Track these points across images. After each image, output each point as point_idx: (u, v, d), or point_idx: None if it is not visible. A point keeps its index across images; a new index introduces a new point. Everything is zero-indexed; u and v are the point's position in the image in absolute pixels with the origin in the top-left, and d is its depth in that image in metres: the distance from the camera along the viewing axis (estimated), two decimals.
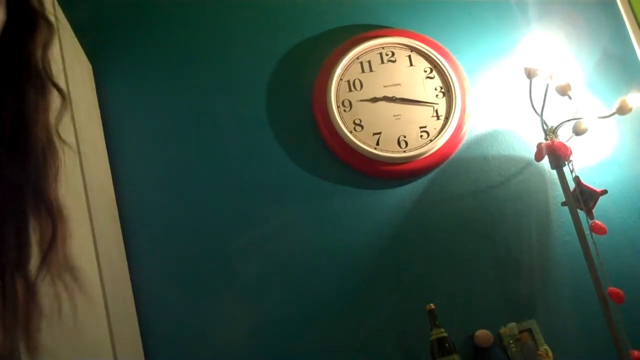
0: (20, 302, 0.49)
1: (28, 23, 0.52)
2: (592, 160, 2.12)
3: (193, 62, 2.18)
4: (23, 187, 0.50)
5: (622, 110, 1.92)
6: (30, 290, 0.50)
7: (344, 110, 2.12)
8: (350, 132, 2.09)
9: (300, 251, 2.02)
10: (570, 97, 1.95)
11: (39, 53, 0.52)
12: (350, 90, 2.15)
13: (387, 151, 2.09)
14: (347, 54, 2.15)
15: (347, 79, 2.15)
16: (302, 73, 2.19)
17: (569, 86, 1.94)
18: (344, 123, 2.10)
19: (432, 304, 1.88)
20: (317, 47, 2.21)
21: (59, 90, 0.54)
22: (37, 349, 0.50)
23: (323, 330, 1.95)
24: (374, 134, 2.11)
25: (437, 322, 1.86)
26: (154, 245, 2.00)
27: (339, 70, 2.13)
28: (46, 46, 0.53)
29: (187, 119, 2.13)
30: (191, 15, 2.23)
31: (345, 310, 1.98)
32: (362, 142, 2.08)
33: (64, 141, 0.54)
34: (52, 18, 0.54)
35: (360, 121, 2.12)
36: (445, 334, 1.84)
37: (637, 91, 2.00)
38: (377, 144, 2.09)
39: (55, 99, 0.54)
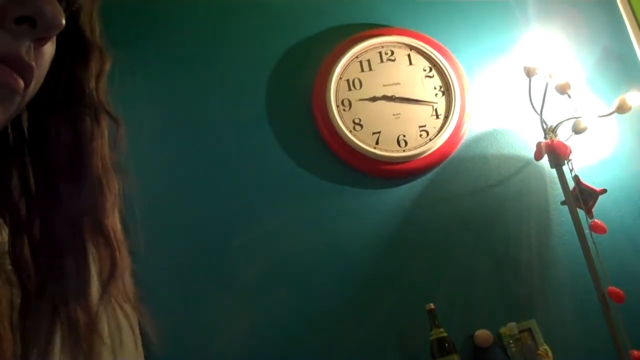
0: (83, 332, 0.50)
1: (81, 53, 0.53)
2: (592, 159, 2.12)
3: (191, 62, 2.17)
4: (81, 217, 0.51)
5: (622, 108, 1.92)
6: (92, 320, 0.51)
7: (344, 110, 2.12)
8: (350, 131, 2.09)
9: (299, 250, 2.02)
10: (569, 96, 1.94)
11: (92, 82, 0.53)
12: (349, 89, 2.14)
13: (386, 150, 2.08)
14: (346, 53, 2.14)
15: (346, 78, 2.15)
16: (301, 72, 2.18)
17: (569, 85, 1.94)
18: (343, 122, 2.09)
19: (431, 304, 1.87)
20: (317, 46, 2.21)
21: (114, 119, 0.55)
22: None
23: (323, 330, 1.95)
24: (374, 133, 2.10)
25: (436, 322, 1.86)
26: (153, 245, 1.99)
27: (338, 70, 2.13)
28: (99, 75, 0.54)
29: (186, 119, 2.12)
30: (190, 15, 2.23)
31: (345, 309, 1.97)
32: (361, 141, 2.08)
33: (120, 170, 0.55)
34: (105, 47, 0.54)
35: (360, 120, 2.12)
36: (445, 334, 1.84)
37: (636, 90, 1.99)
38: (377, 143, 2.09)
39: (111, 128, 0.55)
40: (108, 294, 0.51)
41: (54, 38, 0.45)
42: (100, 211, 0.51)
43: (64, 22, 0.41)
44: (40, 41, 0.42)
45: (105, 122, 0.53)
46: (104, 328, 0.51)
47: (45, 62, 0.45)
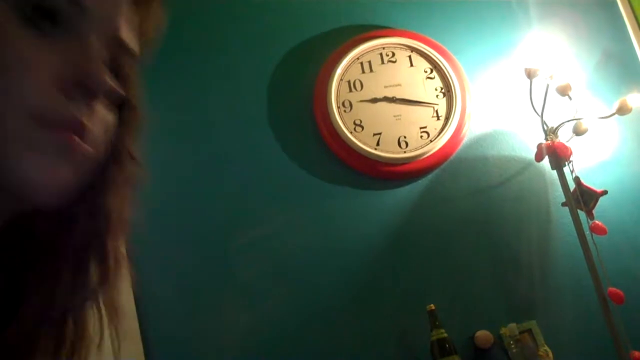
0: (70, 333, 0.50)
1: (120, 114, 0.53)
2: (593, 161, 2.12)
3: (192, 64, 2.17)
4: (88, 239, 0.51)
5: (623, 110, 1.92)
6: (80, 322, 0.51)
7: (344, 111, 2.12)
8: (351, 132, 2.09)
9: (299, 251, 2.02)
10: (570, 98, 1.95)
11: (129, 141, 0.54)
12: (350, 90, 2.15)
13: (387, 152, 2.08)
14: (347, 55, 2.15)
15: (347, 80, 2.15)
16: (302, 73, 2.19)
17: (569, 86, 1.94)
18: (344, 123, 2.09)
19: (432, 305, 1.87)
20: (317, 48, 2.21)
21: (140, 166, 0.56)
22: None
23: (323, 331, 1.95)
24: (374, 134, 2.11)
25: (437, 323, 1.86)
26: (152, 245, 1.99)
27: (339, 71, 2.13)
28: (134, 133, 0.55)
29: (186, 120, 2.12)
30: (190, 16, 2.23)
31: (345, 310, 1.98)
32: (362, 142, 2.08)
33: (137, 210, 0.56)
34: (143, 105, 0.55)
35: (361, 122, 2.12)
36: (446, 335, 1.84)
37: (637, 91, 1.99)
38: (378, 144, 2.09)
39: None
40: (95, 299, 0.51)
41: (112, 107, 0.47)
42: (105, 235, 0.52)
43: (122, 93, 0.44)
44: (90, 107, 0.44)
45: (132, 170, 0.54)
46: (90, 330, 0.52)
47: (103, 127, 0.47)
